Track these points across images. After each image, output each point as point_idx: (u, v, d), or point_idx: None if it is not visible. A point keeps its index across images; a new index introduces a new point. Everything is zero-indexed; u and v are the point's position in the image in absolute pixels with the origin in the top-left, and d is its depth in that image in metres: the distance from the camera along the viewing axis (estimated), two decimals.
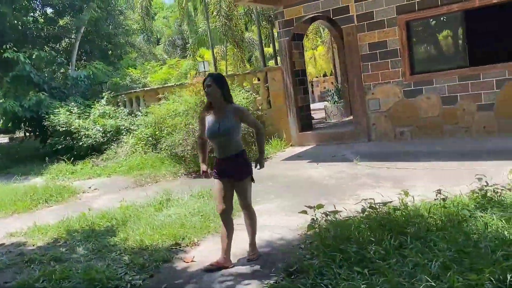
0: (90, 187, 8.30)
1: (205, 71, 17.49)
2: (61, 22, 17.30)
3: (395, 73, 8.63)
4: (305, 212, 3.95)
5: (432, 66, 8.49)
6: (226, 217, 3.90)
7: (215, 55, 18.18)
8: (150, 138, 10.31)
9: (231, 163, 3.80)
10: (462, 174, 5.81)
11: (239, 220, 4.31)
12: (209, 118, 3.82)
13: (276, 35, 19.44)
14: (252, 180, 3.91)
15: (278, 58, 18.88)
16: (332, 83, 20.19)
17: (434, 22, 8.23)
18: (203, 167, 4.03)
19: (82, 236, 5.01)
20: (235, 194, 3.91)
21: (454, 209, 3.81)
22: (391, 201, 4.24)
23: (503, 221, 3.51)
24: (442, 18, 8.13)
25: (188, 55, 21.94)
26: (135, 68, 16.33)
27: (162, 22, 39.78)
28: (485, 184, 4.17)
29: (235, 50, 16.89)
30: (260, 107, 10.34)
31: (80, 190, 8.05)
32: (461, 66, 8.05)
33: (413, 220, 3.79)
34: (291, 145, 10.00)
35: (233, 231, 3.92)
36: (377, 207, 4.11)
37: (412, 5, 8.22)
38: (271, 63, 22.32)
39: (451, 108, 8.15)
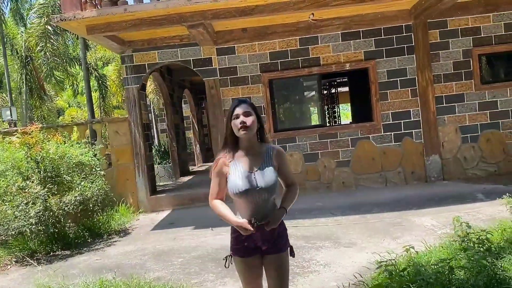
0: None
1: (12, 119, 13.20)
2: None
3: None
4: None
5: (295, 124, 8.74)
6: None
7: (12, 102, 14.09)
8: None
9: (266, 230, 2.48)
10: (381, 227, 5.85)
11: None
12: (233, 166, 2.49)
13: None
14: (292, 253, 2.65)
15: (69, 114, 16.33)
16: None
17: (296, 82, 8.58)
18: (240, 221, 2.45)
19: None
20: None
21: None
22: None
23: None
24: (303, 80, 8.56)
25: None
26: None
27: None
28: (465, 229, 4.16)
29: (34, 99, 13.57)
30: None
31: None
32: (321, 125, 8.56)
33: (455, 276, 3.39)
34: (140, 212, 8.32)
35: None
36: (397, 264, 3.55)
37: (275, 65, 8.40)
38: (62, 118, 19.05)
39: (313, 165, 8.44)
